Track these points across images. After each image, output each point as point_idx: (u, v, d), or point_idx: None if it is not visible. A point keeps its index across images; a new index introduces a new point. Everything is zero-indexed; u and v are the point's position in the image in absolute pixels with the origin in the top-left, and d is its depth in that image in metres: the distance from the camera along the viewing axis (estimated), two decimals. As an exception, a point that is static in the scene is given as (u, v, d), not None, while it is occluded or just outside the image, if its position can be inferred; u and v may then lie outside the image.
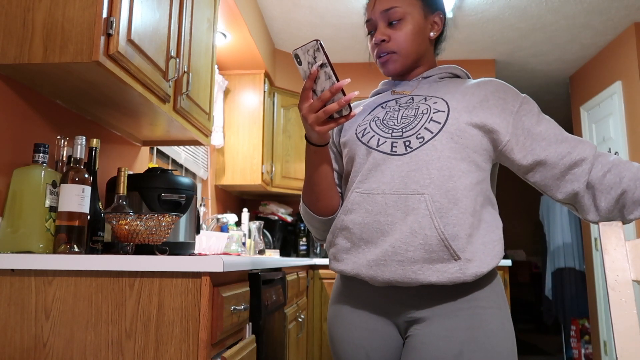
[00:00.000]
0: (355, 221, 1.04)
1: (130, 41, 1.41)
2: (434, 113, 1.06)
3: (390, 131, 1.08)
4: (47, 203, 1.35)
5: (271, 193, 4.03)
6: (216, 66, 3.04)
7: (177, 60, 1.76)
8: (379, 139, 1.08)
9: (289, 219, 4.06)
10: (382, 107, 1.17)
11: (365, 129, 1.12)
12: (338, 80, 0.95)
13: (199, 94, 2.05)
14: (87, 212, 1.37)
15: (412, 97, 1.14)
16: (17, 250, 1.30)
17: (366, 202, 1.03)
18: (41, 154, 1.37)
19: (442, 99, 1.10)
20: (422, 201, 0.98)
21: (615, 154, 3.84)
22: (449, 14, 3.44)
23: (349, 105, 0.97)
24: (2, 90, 1.42)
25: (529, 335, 6.44)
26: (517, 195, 7.65)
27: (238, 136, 3.63)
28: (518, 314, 7.10)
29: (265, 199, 4.30)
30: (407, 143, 1.04)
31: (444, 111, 1.06)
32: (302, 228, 4.11)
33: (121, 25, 1.36)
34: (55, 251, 1.32)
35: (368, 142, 1.09)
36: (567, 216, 5.02)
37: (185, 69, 1.88)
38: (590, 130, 4.30)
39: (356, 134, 1.13)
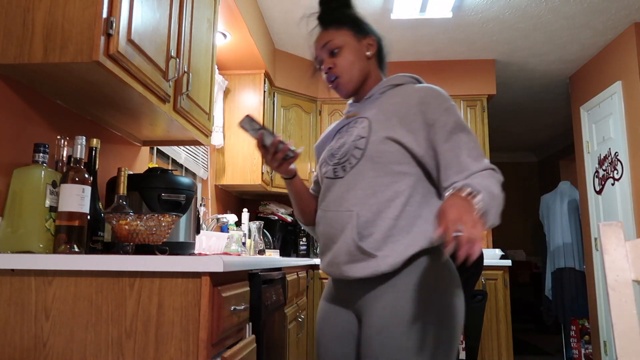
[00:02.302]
0: (320, 232, 1.34)
1: (130, 41, 1.41)
2: (357, 140, 1.29)
3: (333, 160, 1.34)
4: (47, 203, 1.35)
5: (271, 193, 4.03)
6: (216, 66, 3.03)
7: (177, 60, 1.76)
8: (327, 169, 1.35)
9: (289, 219, 4.06)
10: (338, 133, 1.40)
11: (322, 161, 1.40)
12: (274, 135, 1.29)
13: (199, 94, 2.05)
14: (87, 212, 1.37)
15: (357, 120, 1.35)
16: (17, 250, 1.30)
17: (324, 217, 1.32)
18: (41, 154, 1.37)
19: (368, 118, 1.30)
20: (352, 217, 1.24)
21: (615, 154, 3.85)
22: (449, 14, 3.44)
23: (291, 149, 1.30)
24: (2, 90, 1.42)
25: (529, 335, 6.43)
26: (517, 195, 7.65)
27: (238, 136, 3.63)
28: (518, 314, 7.09)
29: (265, 199, 4.29)
30: (344, 168, 1.30)
31: (364, 137, 1.27)
32: (302, 228, 4.11)
33: (121, 25, 1.36)
34: (55, 251, 1.32)
35: (324, 172, 1.37)
36: (567, 216, 5.02)
37: (185, 69, 1.88)
38: (590, 130, 4.30)
39: (320, 166, 1.41)
